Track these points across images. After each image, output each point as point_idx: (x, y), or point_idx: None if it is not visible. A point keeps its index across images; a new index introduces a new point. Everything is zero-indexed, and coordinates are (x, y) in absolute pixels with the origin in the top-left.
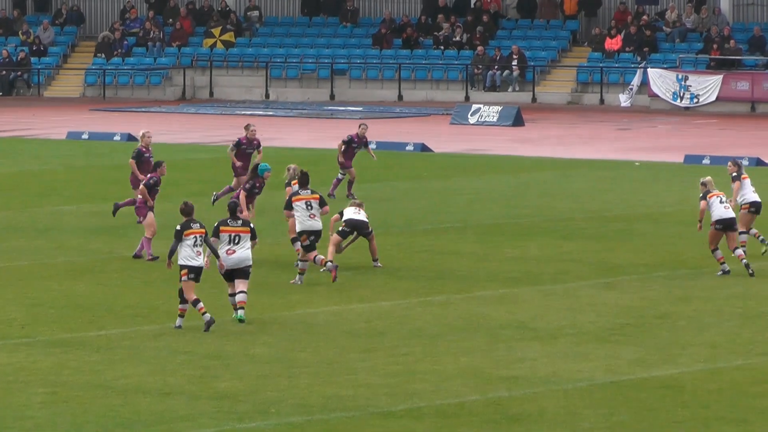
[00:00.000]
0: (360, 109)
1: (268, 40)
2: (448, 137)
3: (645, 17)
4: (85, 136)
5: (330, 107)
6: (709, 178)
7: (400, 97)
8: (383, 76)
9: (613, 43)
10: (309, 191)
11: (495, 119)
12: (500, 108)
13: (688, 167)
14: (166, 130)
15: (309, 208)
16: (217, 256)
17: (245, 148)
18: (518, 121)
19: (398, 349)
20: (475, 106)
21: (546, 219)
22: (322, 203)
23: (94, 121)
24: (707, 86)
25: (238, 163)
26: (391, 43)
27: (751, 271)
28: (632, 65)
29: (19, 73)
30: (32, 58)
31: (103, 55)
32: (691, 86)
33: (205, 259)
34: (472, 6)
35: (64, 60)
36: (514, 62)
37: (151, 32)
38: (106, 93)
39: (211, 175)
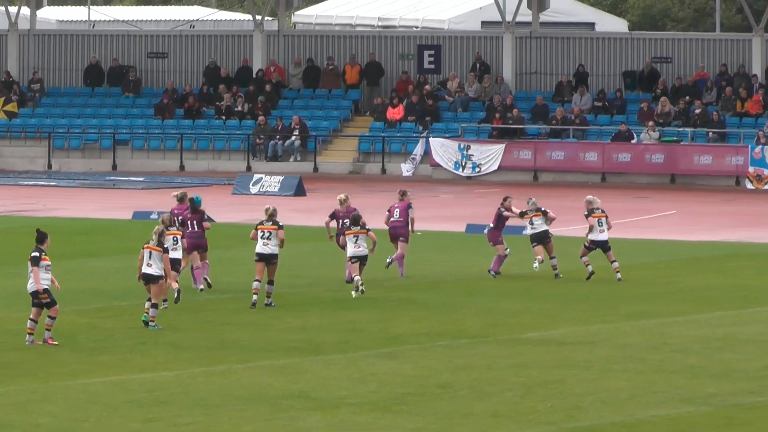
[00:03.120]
0: (142, 179)
1: (50, 111)
2: (230, 207)
3: (427, 87)
4: None
5: (112, 177)
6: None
7: (182, 167)
8: (165, 146)
9: (395, 113)
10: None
11: (277, 189)
12: (282, 178)
13: (470, 236)
14: None
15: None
16: None
17: None
18: (300, 191)
19: (181, 419)
20: (256, 176)
21: (327, 288)
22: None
23: None
24: (489, 155)
25: None
26: (173, 113)
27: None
28: (414, 135)
29: None
30: None
31: None
32: (473, 155)
33: None
34: (254, 76)
35: None
36: (296, 132)
37: None
38: None
39: None
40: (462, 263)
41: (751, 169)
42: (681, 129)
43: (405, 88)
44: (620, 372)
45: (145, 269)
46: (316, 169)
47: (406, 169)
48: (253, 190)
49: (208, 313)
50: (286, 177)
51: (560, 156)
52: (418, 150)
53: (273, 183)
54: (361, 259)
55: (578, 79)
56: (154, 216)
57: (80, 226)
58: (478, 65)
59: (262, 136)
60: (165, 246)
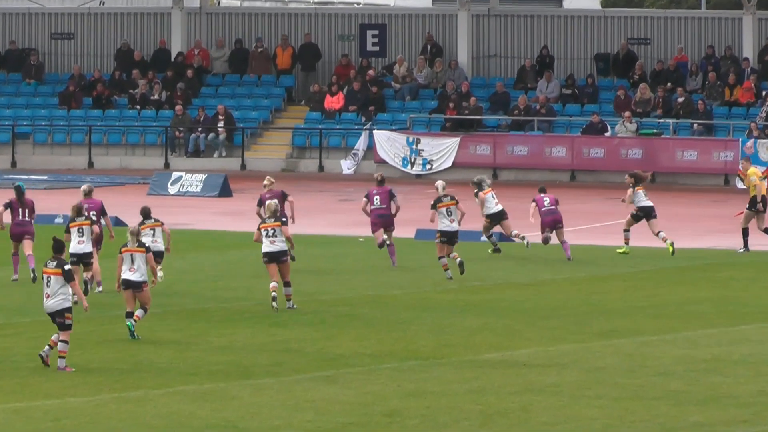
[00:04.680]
0: (45, 177)
1: None
2: None
3: (371, 72)
4: None
5: (11, 176)
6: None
7: (90, 163)
8: (71, 140)
9: (334, 102)
10: None
11: (199, 189)
12: (205, 176)
13: (421, 244)
14: None
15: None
16: None
17: None
18: (225, 192)
19: None
20: (176, 174)
21: (257, 303)
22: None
23: None
24: (442, 150)
25: None
26: (80, 102)
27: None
28: (356, 126)
29: None
30: None
31: None
32: (423, 150)
33: None
34: (173, 59)
35: None
36: (221, 124)
37: None
38: None
39: None
40: (412, 275)
41: (741, 166)
42: (662, 120)
43: (345, 73)
44: (593, 398)
45: (127, 275)
46: (243, 166)
47: (346, 166)
48: (172, 190)
49: (120, 329)
50: (210, 175)
51: (523, 151)
52: (361, 144)
53: (194, 182)
54: (156, 255)
55: (544, 63)
56: (59, 220)
57: None
58: (429, 47)
59: (181, 129)
60: (147, 245)
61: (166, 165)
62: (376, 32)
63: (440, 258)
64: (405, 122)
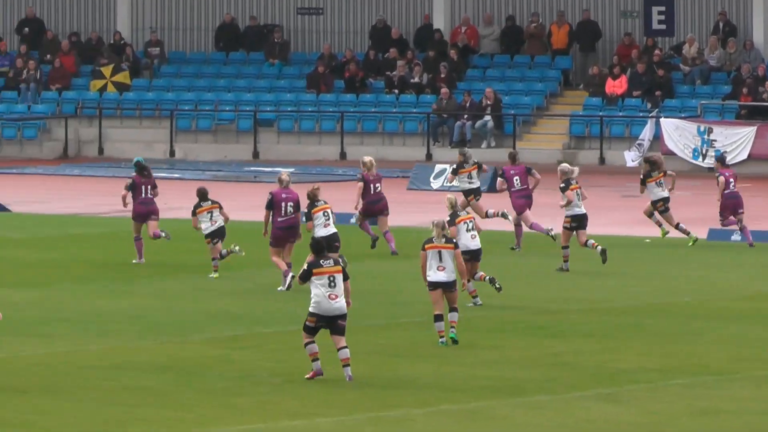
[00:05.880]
0: (291, 170)
1: (173, 82)
2: (404, 207)
3: (657, 52)
4: None
5: (253, 168)
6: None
7: (343, 154)
8: (321, 128)
9: (615, 86)
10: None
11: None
12: None
13: (713, 245)
14: (42, 197)
15: None
16: None
17: None
18: (495, 187)
19: None
20: (439, 167)
21: (531, 311)
22: None
23: None
24: (737, 141)
25: None
26: (331, 85)
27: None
28: (641, 114)
29: None
30: None
31: None
32: (716, 141)
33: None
34: (435, 38)
35: None
36: (489, 110)
37: (24, 71)
38: None
39: (102, 254)
40: (703, 280)
41: None
42: None
43: (628, 54)
44: None
45: (436, 275)
46: None
47: (630, 158)
48: (435, 184)
49: (376, 339)
50: None
51: None
52: (646, 133)
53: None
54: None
55: None
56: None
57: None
58: (721, 25)
59: (445, 116)
60: (455, 240)
61: (428, 156)
62: (663, 8)
63: (564, 247)
64: (695, 109)
